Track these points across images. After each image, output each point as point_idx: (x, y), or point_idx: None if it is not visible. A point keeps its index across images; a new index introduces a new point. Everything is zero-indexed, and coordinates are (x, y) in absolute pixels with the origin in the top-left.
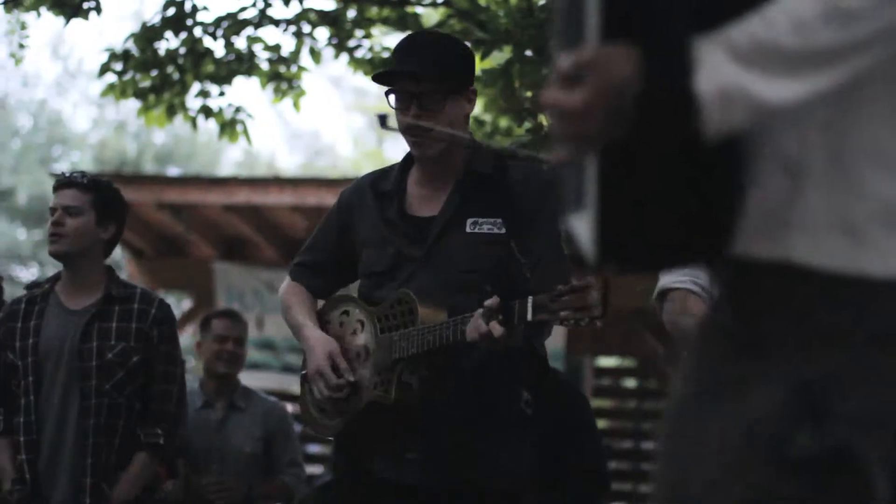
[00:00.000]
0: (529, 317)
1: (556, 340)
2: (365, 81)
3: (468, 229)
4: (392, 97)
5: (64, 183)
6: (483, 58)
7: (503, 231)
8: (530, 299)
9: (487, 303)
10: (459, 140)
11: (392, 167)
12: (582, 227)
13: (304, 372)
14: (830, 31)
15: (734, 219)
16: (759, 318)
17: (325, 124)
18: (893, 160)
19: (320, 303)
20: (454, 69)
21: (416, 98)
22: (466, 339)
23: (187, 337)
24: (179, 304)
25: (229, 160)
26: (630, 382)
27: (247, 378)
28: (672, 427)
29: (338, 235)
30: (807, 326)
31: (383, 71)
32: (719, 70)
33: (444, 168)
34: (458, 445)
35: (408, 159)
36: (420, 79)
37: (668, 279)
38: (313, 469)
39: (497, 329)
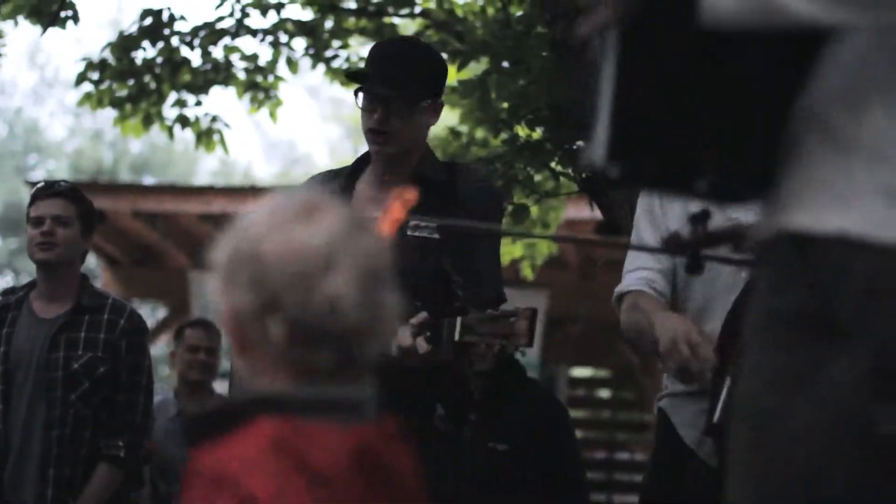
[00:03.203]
0: (456, 337)
1: (531, 350)
2: (342, 91)
3: (409, 233)
4: (360, 97)
5: (51, 192)
6: (460, 69)
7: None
8: (459, 320)
9: (414, 319)
10: None
11: (344, 168)
12: (600, 124)
13: None
14: None
15: (751, 145)
16: (827, 295)
17: (302, 134)
18: None
19: None
20: (424, 77)
21: (382, 101)
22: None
23: (162, 346)
24: (154, 314)
25: (206, 169)
26: (604, 393)
27: (221, 387)
28: (754, 421)
29: None
30: (875, 299)
31: (356, 70)
32: None
33: (398, 171)
34: None
35: (360, 161)
36: (389, 83)
37: (624, 283)
38: None
39: (422, 346)
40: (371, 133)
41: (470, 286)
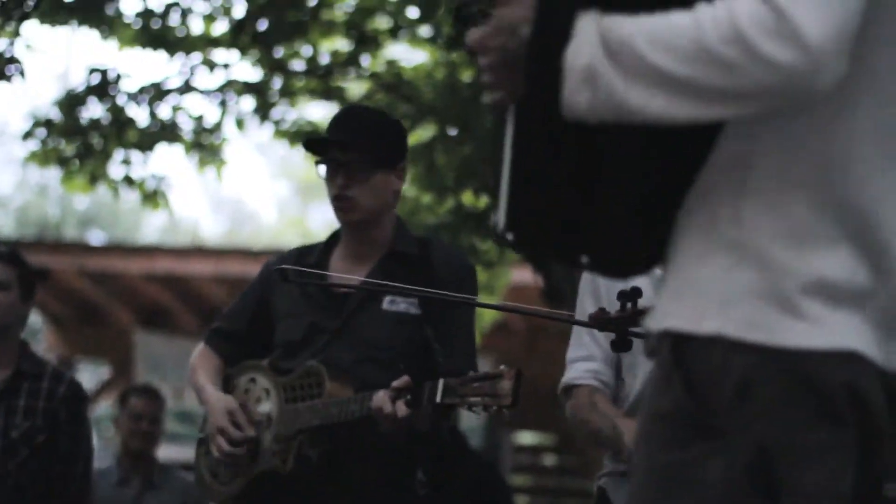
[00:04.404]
0: (438, 399)
1: (474, 416)
2: (290, 148)
3: (384, 306)
4: (321, 167)
5: None
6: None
7: (419, 312)
8: (441, 382)
9: (396, 383)
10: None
11: (317, 244)
12: (501, 198)
13: (200, 436)
14: (692, 67)
15: (622, 228)
16: (704, 395)
17: (250, 191)
18: (823, 237)
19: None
20: (383, 142)
21: (343, 167)
22: (372, 415)
23: (105, 406)
24: (98, 372)
25: (153, 225)
26: (550, 460)
27: (166, 450)
28: None
29: (256, 305)
30: (750, 398)
31: (313, 138)
32: (587, 48)
33: (369, 244)
34: None
35: (333, 237)
36: (348, 148)
37: (570, 375)
38: None
39: (402, 409)
40: (335, 201)
41: (448, 352)
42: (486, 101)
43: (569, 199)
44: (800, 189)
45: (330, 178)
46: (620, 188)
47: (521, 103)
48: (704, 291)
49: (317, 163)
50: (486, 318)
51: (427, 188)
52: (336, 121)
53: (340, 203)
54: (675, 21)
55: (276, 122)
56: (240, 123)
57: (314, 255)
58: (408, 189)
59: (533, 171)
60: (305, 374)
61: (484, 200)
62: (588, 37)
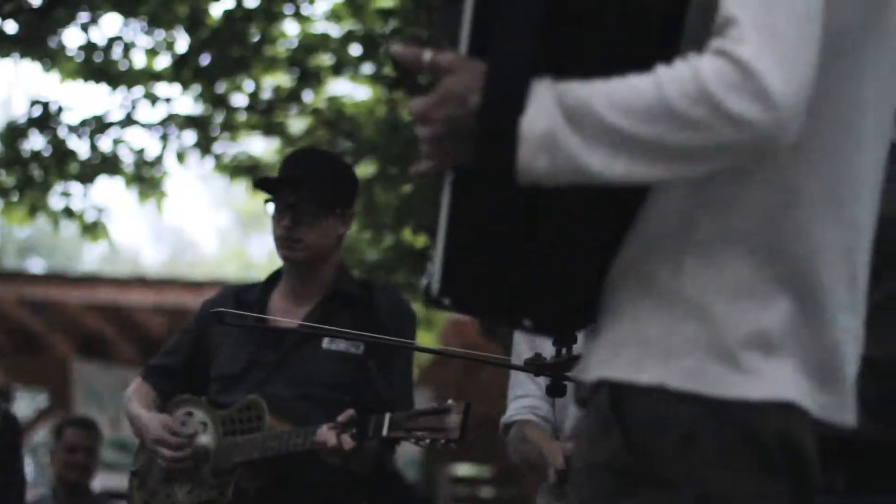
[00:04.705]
0: (385, 432)
1: (412, 448)
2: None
3: (325, 345)
4: (270, 205)
5: None
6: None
7: (359, 352)
8: (388, 416)
9: (341, 417)
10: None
11: (258, 283)
12: (436, 255)
13: (132, 469)
14: (655, 128)
15: (566, 288)
16: (646, 445)
17: (191, 220)
18: (762, 290)
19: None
20: (335, 186)
21: (291, 208)
22: (315, 449)
23: (42, 435)
24: (35, 401)
25: (93, 254)
26: (487, 492)
27: (102, 479)
28: None
29: (194, 342)
30: (696, 447)
31: (264, 178)
32: (544, 113)
33: (311, 283)
34: None
35: (275, 275)
36: (299, 189)
37: (508, 414)
38: None
39: (348, 442)
40: (280, 240)
41: (388, 390)
42: (420, 171)
43: (510, 262)
44: (740, 243)
45: (278, 218)
46: (564, 250)
47: (462, 169)
48: (644, 342)
49: (266, 201)
50: None
51: (366, 225)
52: (290, 160)
53: (287, 242)
54: (634, 83)
55: (217, 156)
56: (180, 157)
57: (255, 293)
58: None
59: (473, 236)
60: (245, 407)
61: (422, 238)
62: (545, 103)
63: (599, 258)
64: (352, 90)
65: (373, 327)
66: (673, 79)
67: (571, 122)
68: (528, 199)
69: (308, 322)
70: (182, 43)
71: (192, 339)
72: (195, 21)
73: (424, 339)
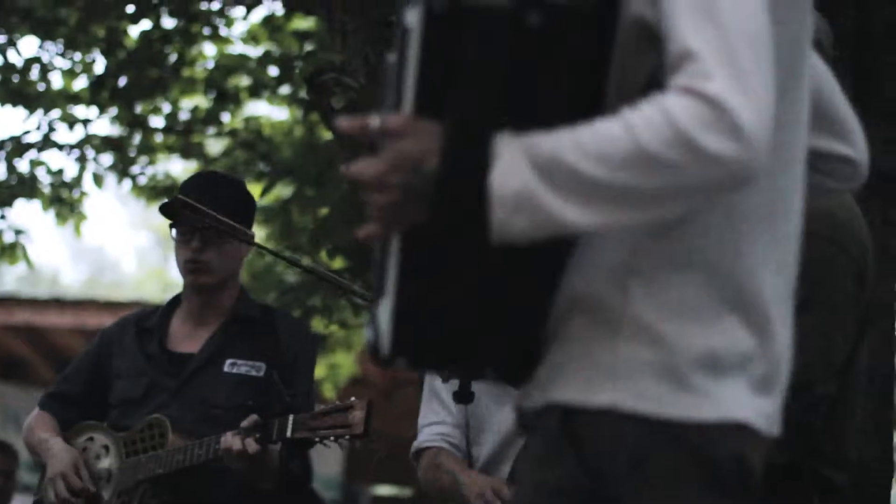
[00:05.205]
0: (289, 433)
1: (333, 468)
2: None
3: (226, 369)
4: (174, 230)
5: None
6: (265, 191)
7: (261, 374)
8: (291, 417)
9: (244, 422)
10: (242, 235)
11: (158, 308)
12: (383, 314)
13: (35, 499)
14: (631, 174)
15: (529, 341)
16: (597, 466)
17: (110, 240)
18: (708, 311)
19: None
20: (237, 210)
21: (198, 231)
22: (219, 458)
23: None
24: None
25: (11, 274)
26: None
27: (20, 502)
28: None
29: (93, 368)
30: (646, 468)
31: (169, 202)
32: (515, 172)
33: (213, 307)
34: None
35: (173, 301)
36: (203, 213)
37: (420, 440)
38: None
39: (252, 446)
40: (188, 263)
41: (293, 398)
42: (367, 235)
43: (465, 313)
44: (685, 265)
45: (184, 242)
46: (517, 292)
47: (415, 230)
48: (594, 366)
49: (171, 225)
50: (343, 372)
51: (283, 247)
52: (191, 184)
53: (194, 266)
54: (602, 130)
55: (135, 178)
56: (98, 179)
57: (154, 318)
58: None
59: (425, 291)
60: (147, 426)
61: (340, 261)
62: (514, 160)
63: (552, 293)
64: (269, 111)
65: (274, 349)
66: (644, 123)
67: (545, 178)
68: (481, 247)
69: (210, 345)
70: (100, 64)
71: (91, 365)
72: (112, 43)
73: (344, 360)
